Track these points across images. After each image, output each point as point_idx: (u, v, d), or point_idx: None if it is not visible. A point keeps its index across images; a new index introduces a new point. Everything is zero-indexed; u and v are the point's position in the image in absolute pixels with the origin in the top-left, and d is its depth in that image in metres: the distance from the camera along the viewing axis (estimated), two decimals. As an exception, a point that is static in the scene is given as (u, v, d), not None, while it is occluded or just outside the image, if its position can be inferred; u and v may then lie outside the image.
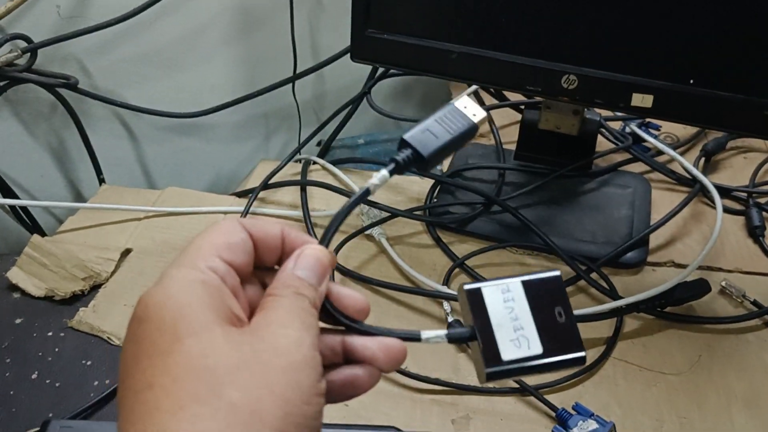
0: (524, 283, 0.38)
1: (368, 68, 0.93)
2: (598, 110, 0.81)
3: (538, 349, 0.36)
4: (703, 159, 0.89)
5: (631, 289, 0.72)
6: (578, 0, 0.65)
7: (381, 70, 0.90)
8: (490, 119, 0.91)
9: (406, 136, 0.40)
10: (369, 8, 0.71)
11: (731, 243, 0.80)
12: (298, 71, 0.95)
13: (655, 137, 0.89)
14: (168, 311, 0.33)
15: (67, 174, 0.99)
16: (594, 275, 0.74)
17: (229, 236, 0.37)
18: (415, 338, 0.37)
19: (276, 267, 0.39)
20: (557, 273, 0.39)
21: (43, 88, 0.86)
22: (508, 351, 0.36)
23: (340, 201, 0.79)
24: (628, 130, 0.90)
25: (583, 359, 0.37)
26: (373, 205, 0.79)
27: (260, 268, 0.39)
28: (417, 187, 0.86)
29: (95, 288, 0.75)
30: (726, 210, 0.82)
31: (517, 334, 0.36)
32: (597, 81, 0.67)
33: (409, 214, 0.79)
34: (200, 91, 0.98)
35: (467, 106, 0.42)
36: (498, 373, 0.36)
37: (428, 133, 0.41)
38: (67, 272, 0.74)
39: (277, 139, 1.08)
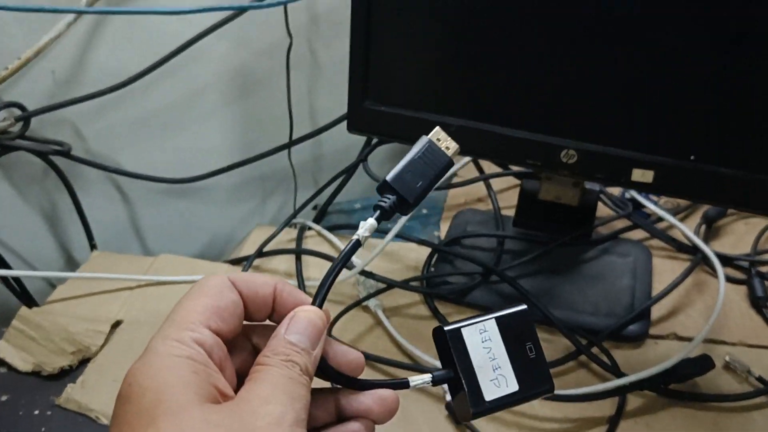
0: (497, 319, 0.41)
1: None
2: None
3: (515, 386, 0.40)
4: (704, 226, 0.88)
5: (634, 364, 0.70)
6: (577, 75, 0.64)
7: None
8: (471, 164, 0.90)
9: (389, 179, 0.41)
10: (367, 80, 0.71)
11: (734, 314, 0.78)
12: (294, 136, 0.94)
13: (655, 203, 0.88)
14: (149, 392, 0.32)
15: (59, 237, 0.98)
16: (595, 349, 0.72)
17: (218, 299, 0.36)
18: (404, 385, 0.39)
19: (268, 321, 0.39)
20: (524, 307, 0.41)
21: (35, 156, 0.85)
22: (490, 391, 0.39)
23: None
24: (627, 195, 0.90)
25: (552, 389, 0.41)
26: (370, 276, 0.78)
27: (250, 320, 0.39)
28: (414, 254, 0.85)
29: (84, 362, 0.73)
30: (728, 279, 0.80)
31: (496, 373, 0.39)
32: (597, 156, 0.67)
33: (405, 285, 0.78)
34: (196, 154, 0.97)
35: (440, 139, 0.44)
36: (481, 413, 0.39)
37: (410, 174, 0.42)
38: (55, 345, 0.72)
39: (274, 202, 1.07)
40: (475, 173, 0.90)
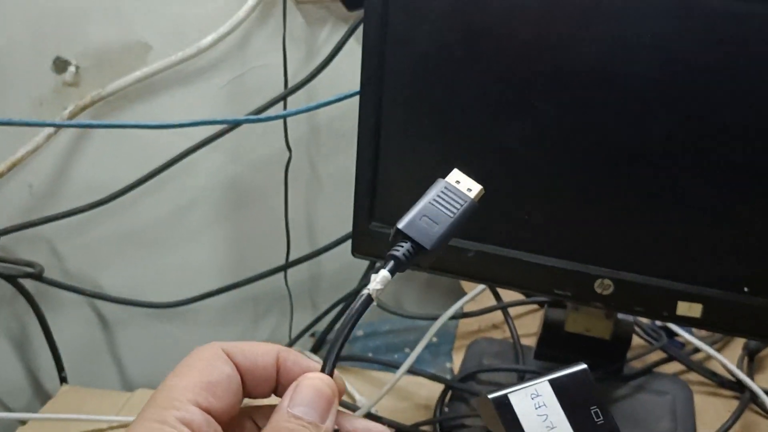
0: (552, 382, 0.35)
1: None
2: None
3: None
4: (746, 358, 0.79)
5: None
6: (613, 197, 0.57)
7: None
8: (493, 291, 0.82)
9: (401, 226, 0.36)
10: (374, 199, 0.63)
11: (792, 464, 0.69)
12: (292, 255, 0.86)
13: (690, 331, 0.79)
14: None
15: (28, 365, 0.89)
16: None
17: (208, 373, 0.32)
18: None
19: (274, 397, 0.34)
20: (584, 366, 0.36)
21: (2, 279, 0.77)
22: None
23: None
24: (658, 323, 0.81)
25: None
26: (377, 419, 0.68)
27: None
28: (425, 391, 0.75)
29: None
30: (782, 421, 0.71)
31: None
32: (636, 287, 0.59)
33: (416, 430, 0.68)
34: (184, 273, 0.89)
35: (460, 181, 0.39)
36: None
37: (426, 219, 0.37)
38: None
39: (267, 324, 0.98)
40: (492, 301, 0.82)
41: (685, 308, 0.58)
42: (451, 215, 0.37)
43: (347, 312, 0.34)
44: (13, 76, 0.74)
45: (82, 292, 0.82)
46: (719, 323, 0.59)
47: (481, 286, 0.79)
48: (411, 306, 0.95)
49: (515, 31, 0.55)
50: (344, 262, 0.93)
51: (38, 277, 0.76)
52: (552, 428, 0.34)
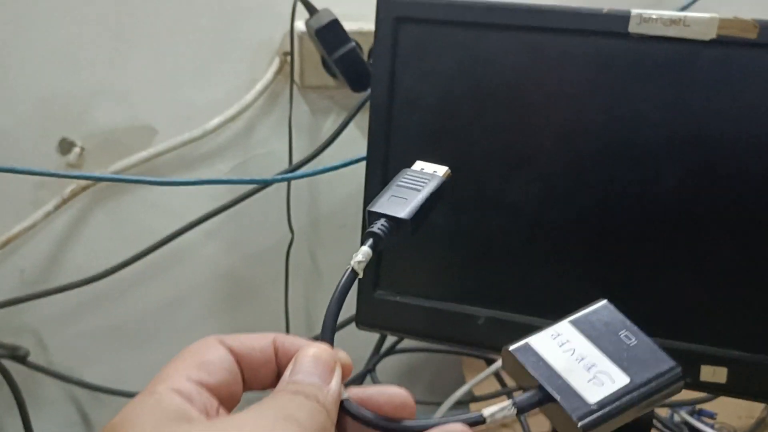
0: (573, 322, 0.35)
1: (369, 345, 0.81)
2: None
3: (624, 378, 0.32)
4: (771, 456, 0.74)
5: None
6: (630, 258, 0.56)
7: (387, 345, 0.78)
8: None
9: (372, 208, 0.38)
10: (379, 265, 0.62)
11: None
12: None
13: (711, 426, 0.75)
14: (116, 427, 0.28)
15: (1, 468, 0.82)
16: None
17: (201, 354, 0.32)
18: (478, 421, 0.31)
19: None
20: (604, 302, 0.35)
21: (-15, 361, 0.73)
22: (592, 393, 0.31)
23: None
24: (677, 418, 0.77)
25: (677, 370, 0.33)
26: None
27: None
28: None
29: None
30: None
31: (592, 372, 0.32)
32: (656, 351, 0.56)
33: None
34: (174, 370, 0.85)
35: (424, 168, 0.41)
36: (593, 423, 0.30)
37: (395, 198, 0.38)
38: None
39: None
40: (496, 386, 0.78)
41: (709, 373, 0.55)
42: (419, 190, 0.39)
43: (336, 290, 0.35)
44: (18, 156, 0.74)
45: (66, 378, 0.78)
46: (745, 388, 0.55)
47: (484, 373, 0.75)
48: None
49: (522, 89, 0.56)
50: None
51: (22, 359, 0.72)
52: (581, 359, 0.32)
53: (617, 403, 0.31)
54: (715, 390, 0.56)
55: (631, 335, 0.34)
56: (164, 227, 0.78)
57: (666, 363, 0.33)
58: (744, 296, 0.54)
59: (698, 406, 0.78)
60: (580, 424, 0.30)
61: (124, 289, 0.81)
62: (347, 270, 0.36)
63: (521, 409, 0.31)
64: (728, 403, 0.77)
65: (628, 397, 0.31)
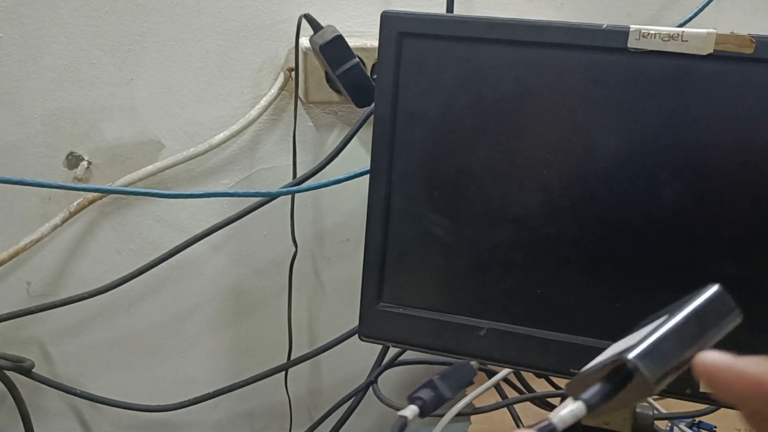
0: None
1: (370, 361, 0.82)
2: (653, 401, 0.69)
3: (664, 316, 0.33)
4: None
5: None
6: (630, 269, 0.56)
7: (389, 356, 0.79)
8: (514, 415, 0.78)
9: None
10: (383, 277, 0.62)
11: None
12: (293, 357, 0.83)
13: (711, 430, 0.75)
14: None
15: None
16: None
17: None
18: (548, 428, 0.30)
19: None
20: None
21: (-9, 373, 0.73)
22: (640, 334, 0.33)
23: None
24: (676, 431, 0.77)
25: (718, 289, 0.34)
26: None
27: None
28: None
29: None
30: None
31: (642, 331, 0.33)
32: (657, 361, 0.56)
33: None
34: (178, 383, 0.86)
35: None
36: (643, 354, 0.31)
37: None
38: None
39: (263, 442, 0.92)
40: (496, 397, 0.78)
41: (709, 384, 0.56)
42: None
43: None
44: (25, 169, 0.75)
45: (70, 391, 0.78)
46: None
47: (484, 386, 0.76)
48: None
49: (523, 104, 0.57)
50: (344, 374, 0.90)
51: (27, 371, 0.73)
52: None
53: (663, 334, 0.32)
54: (715, 401, 0.56)
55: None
56: (170, 241, 0.79)
57: (707, 289, 0.34)
58: (745, 307, 0.55)
59: (698, 419, 0.79)
60: (629, 356, 0.31)
61: (129, 302, 0.81)
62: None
63: (591, 407, 0.31)
64: (727, 416, 0.78)
65: (672, 325, 0.32)
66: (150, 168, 0.76)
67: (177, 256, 0.79)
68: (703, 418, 0.78)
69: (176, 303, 0.84)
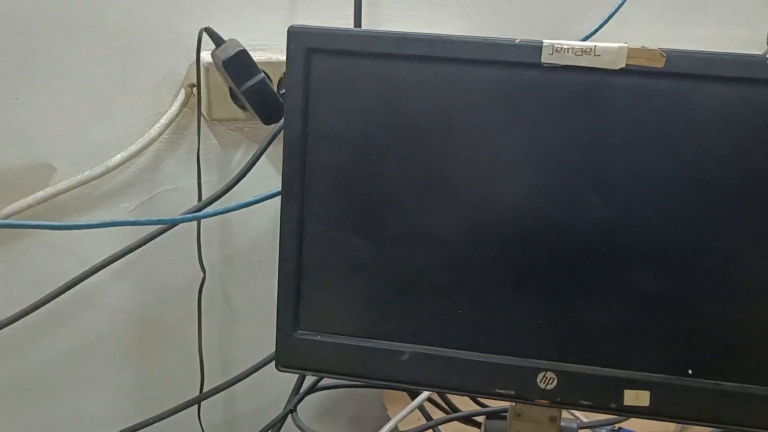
0: None
1: (288, 387, 0.78)
2: (578, 415, 0.69)
3: None
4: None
5: None
6: (552, 286, 0.56)
7: (308, 383, 0.76)
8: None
9: None
10: (299, 306, 0.59)
11: None
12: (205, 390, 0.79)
13: (633, 446, 0.76)
14: None
15: None
16: None
17: None
18: None
19: None
20: None
21: None
22: None
23: None
24: (601, 439, 0.77)
25: None
26: None
27: None
28: None
29: None
30: None
31: None
32: (580, 378, 0.56)
33: None
34: (82, 423, 0.80)
35: None
36: None
37: None
38: None
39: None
40: (422, 419, 0.76)
41: (632, 397, 0.56)
42: None
43: None
44: None
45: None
46: (668, 411, 0.56)
47: (410, 407, 0.74)
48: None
49: (439, 121, 0.56)
50: (260, 404, 0.86)
51: None
52: None
53: None
54: (639, 413, 0.57)
55: None
56: (67, 271, 0.73)
57: None
58: (662, 321, 0.55)
59: (617, 425, 0.79)
60: None
61: (24, 341, 0.75)
62: None
63: None
64: (646, 420, 0.79)
65: None
66: (41, 194, 0.71)
67: (76, 287, 0.73)
68: (623, 424, 0.79)
69: (77, 337, 0.78)
